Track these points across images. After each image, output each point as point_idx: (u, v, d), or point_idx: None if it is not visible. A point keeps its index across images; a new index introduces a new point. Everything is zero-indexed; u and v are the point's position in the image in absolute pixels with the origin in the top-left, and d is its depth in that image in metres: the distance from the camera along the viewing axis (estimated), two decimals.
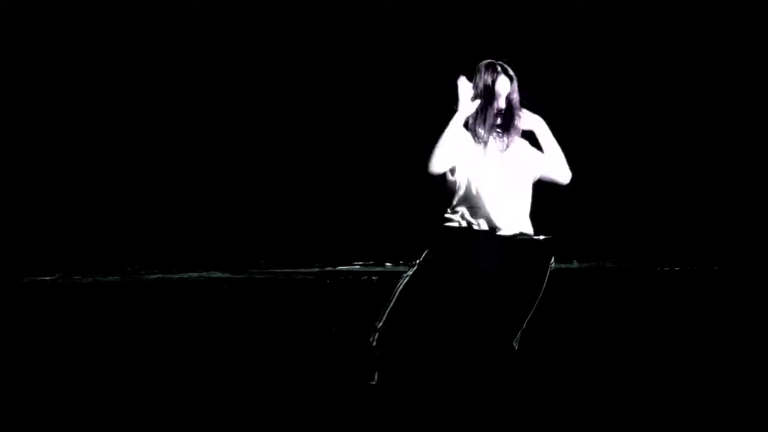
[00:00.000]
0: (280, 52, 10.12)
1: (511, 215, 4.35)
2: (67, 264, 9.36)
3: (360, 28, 10.05)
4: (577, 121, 9.66)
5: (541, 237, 4.36)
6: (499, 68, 4.42)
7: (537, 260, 4.29)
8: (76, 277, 8.96)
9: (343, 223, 9.90)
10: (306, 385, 4.81)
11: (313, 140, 10.12)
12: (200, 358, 5.51)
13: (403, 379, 4.21)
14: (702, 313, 6.90)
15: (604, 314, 6.87)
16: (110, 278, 8.91)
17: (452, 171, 4.36)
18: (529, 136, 4.53)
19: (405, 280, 4.31)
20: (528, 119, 4.45)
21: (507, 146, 4.40)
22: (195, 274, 9.07)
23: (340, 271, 9.35)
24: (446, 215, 4.40)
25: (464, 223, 4.33)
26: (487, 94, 4.36)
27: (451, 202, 4.39)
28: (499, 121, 4.39)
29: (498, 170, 4.36)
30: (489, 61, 4.45)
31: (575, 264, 9.45)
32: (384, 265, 9.59)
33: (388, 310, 4.26)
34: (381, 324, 4.25)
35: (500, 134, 4.40)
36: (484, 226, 4.31)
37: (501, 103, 4.38)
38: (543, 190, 4.52)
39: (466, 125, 4.40)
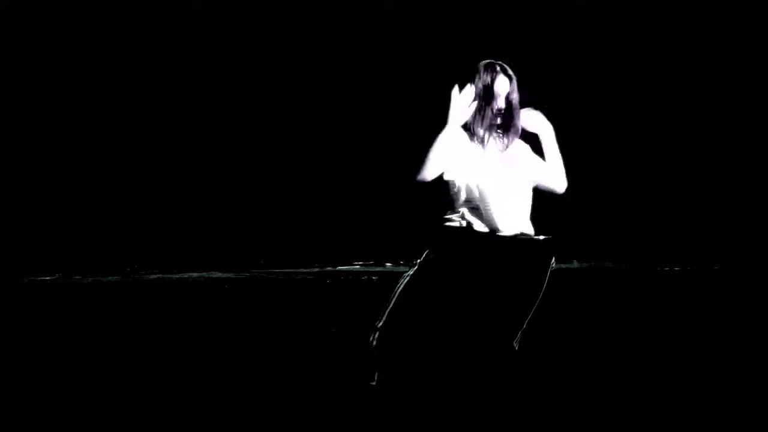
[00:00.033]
0: (280, 52, 10.12)
1: (511, 215, 4.34)
2: (67, 264, 9.36)
3: (360, 28, 10.05)
4: (577, 121, 9.66)
5: (542, 237, 4.36)
6: (498, 68, 4.41)
7: (537, 260, 4.28)
8: (76, 277, 8.95)
9: (343, 223, 9.90)
10: (306, 385, 4.81)
11: (313, 140, 10.12)
12: (201, 358, 5.51)
13: (403, 379, 4.21)
14: (702, 313, 6.90)
15: (604, 314, 6.87)
16: (110, 278, 8.90)
17: (449, 172, 4.36)
18: (532, 140, 4.53)
19: (405, 280, 4.31)
20: (538, 123, 4.44)
21: (507, 146, 4.40)
22: (195, 274, 9.07)
23: (340, 271, 9.35)
24: (446, 215, 4.39)
25: (464, 224, 4.33)
26: (486, 94, 4.36)
27: (450, 203, 4.39)
28: (498, 120, 4.39)
29: (497, 170, 4.36)
30: (488, 61, 4.45)
31: (575, 264, 9.45)
32: (384, 265, 9.59)
33: (388, 310, 4.26)
34: (381, 324, 4.24)
35: (500, 134, 4.40)
36: (484, 227, 4.31)
37: (500, 103, 4.38)
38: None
39: (465, 125, 4.40)
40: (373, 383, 4.24)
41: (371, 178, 9.80)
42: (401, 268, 8.80)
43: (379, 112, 9.99)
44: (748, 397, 4.57)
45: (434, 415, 4.13)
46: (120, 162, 10.06)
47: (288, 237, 9.98)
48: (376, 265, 9.63)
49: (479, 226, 4.30)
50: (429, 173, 4.27)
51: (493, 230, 4.30)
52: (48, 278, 8.90)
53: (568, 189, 4.51)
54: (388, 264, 9.62)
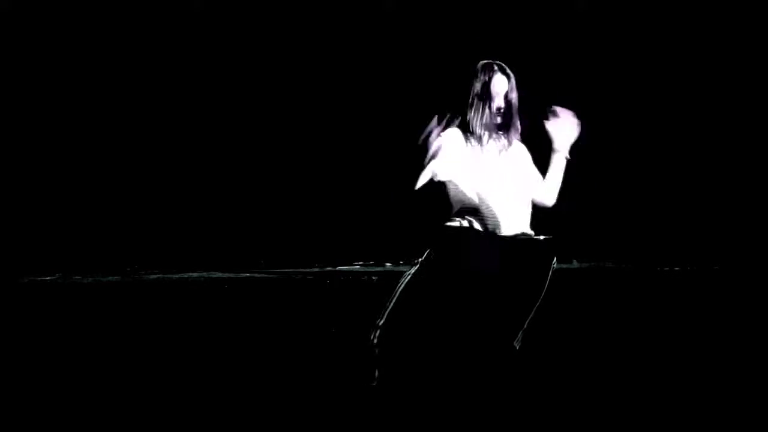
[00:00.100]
0: (280, 52, 10.12)
1: (510, 216, 4.34)
2: (67, 264, 9.36)
3: (360, 28, 10.05)
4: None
5: (542, 237, 4.36)
6: (496, 67, 4.41)
7: (538, 260, 4.28)
8: (76, 277, 8.95)
9: (343, 223, 9.90)
10: (306, 385, 4.81)
11: (313, 140, 10.12)
12: (200, 358, 5.51)
13: (404, 378, 4.21)
14: (702, 313, 6.90)
15: (604, 314, 6.86)
16: (110, 278, 8.90)
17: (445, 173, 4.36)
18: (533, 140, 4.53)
19: (406, 279, 4.31)
20: (570, 127, 4.42)
21: (507, 146, 4.40)
22: (195, 274, 9.07)
23: (340, 271, 9.35)
24: (446, 215, 4.39)
25: (465, 224, 4.33)
26: (484, 94, 4.36)
27: (450, 203, 4.39)
28: (498, 120, 4.39)
29: (497, 170, 4.36)
30: (486, 61, 4.45)
31: (575, 264, 9.45)
32: (384, 265, 9.59)
33: (389, 309, 4.26)
34: (382, 322, 4.24)
35: (500, 134, 4.40)
36: (485, 227, 4.31)
37: (499, 102, 4.38)
38: None
39: (465, 125, 4.40)
40: (374, 382, 4.25)
41: (371, 178, 9.80)
42: (401, 268, 8.79)
43: (379, 112, 9.98)
44: (748, 397, 4.57)
45: (434, 414, 4.13)
46: (120, 162, 10.06)
47: (288, 237, 9.98)
48: (376, 265, 9.63)
49: (480, 227, 4.30)
50: (422, 184, 4.28)
51: (494, 230, 4.30)
52: (48, 278, 8.90)
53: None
54: (388, 264, 9.62)
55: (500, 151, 4.40)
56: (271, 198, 10.07)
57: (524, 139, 4.53)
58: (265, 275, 9.07)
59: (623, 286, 8.39)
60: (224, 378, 5.01)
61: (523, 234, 4.35)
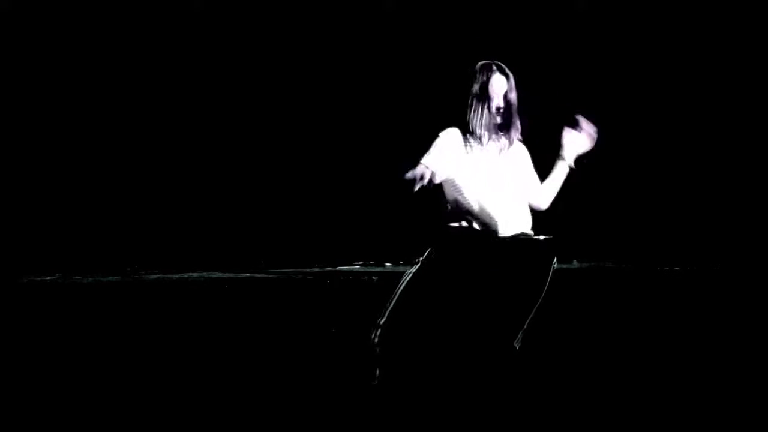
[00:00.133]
0: (280, 52, 10.12)
1: (509, 216, 4.35)
2: (67, 264, 9.36)
3: (360, 28, 10.05)
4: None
5: (542, 237, 4.36)
6: (495, 67, 4.42)
7: (538, 260, 4.29)
8: (76, 277, 8.95)
9: (343, 223, 9.90)
10: (306, 385, 4.80)
11: (313, 140, 10.12)
12: (200, 358, 5.50)
13: (405, 377, 4.21)
14: (702, 313, 6.90)
15: (604, 314, 6.86)
16: (110, 278, 8.90)
17: (448, 173, 4.36)
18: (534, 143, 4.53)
19: (407, 278, 4.31)
20: (587, 137, 4.43)
21: (508, 146, 4.40)
22: (195, 274, 9.06)
23: (340, 271, 9.35)
24: (446, 215, 4.40)
25: (464, 224, 4.33)
26: (483, 94, 4.36)
27: (450, 203, 4.39)
28: (498, 120, 4.39)
29: (496, 171, 4.36)
30: (484, 61, 4.45)
31: (575, 264, 9.44)
32: (384, 265, 9.58)
33: (390, 308, 4.26)
34: (383, 321, 4.25)
35: (500, 134, 4.40)
36: (483, 227, 4.31)
37: (499, 102, 4.38)
38: None
39: (465, 125, 4.40)
40: (375, 381, 4.25)
41: (371, 179, 9.79)
42: (401, 268, 8.79)
43: (379, 112, 9.98)
44: (748, 397, 4.56)
45: (434, 414, 4.13)
46: (120, 162, 10.06)
47: (288, 237, 9.98)
48: (376, 265, 9.63)
49: (479, 227, 4.30)
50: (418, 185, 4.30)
51: (494, 230, 4.30)
52: (48, 278, 8.89)
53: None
54: (388, 264, 9.62)
55: (500, 151, 4.40)
56: (271, 198, 10.07)
57: (524, 139, 4.54)
58: (265, 275, 9.07)
59: (623, 286, 8.39)
60: (224, 378, 5.01)
61: (523, 234, 4.35)
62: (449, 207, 4.38)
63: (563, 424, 4.19)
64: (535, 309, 4.25)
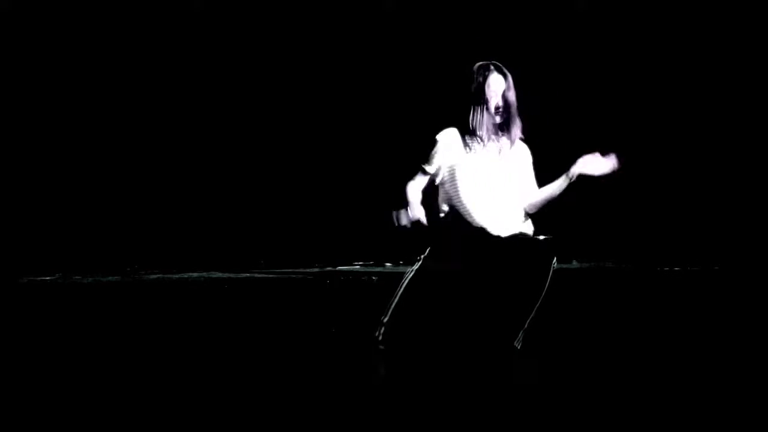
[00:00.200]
0: (280, 52, 10.12)
1: (508, 216, 4.35)
2: (67, 264, 9.36)
3: (360, 28, 10.05)
4: (576, 121, 9.67)
5: (542, 237, 4.36)
6: (492, 67, 4.42)
7: (538, 260, 4.29)
8: (76, 277, 8.95)
9: (343, 223, 9.90)
10: (306, 385, 4.80)
11: (313, 140, 10.12)
12: (200, 358, 5.50)
13: (408, 374, 4.21)
14: (702, 313, 6.90)
15: (604, 314, 6.87)
16: (110, 278, 8.90)
17: (447, 173, 4.36)
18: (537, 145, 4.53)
19: (409, 276, 4.32)
20: (599, 167, 4.43)
21: (509, 146, 4.41)
22: (195, 274, 9.07)
23: (340, 271, 9.35)
24: (443, 215, 4.40)
25: (462, 224, 4.34)
26: (481, 94, 4.37)
27: (448, 202, 4.39)
28: (498, 119, 4.39)
29: (494, 171, 4.36)
30: (482, 62, 4.46)
31: (575, 264, 9.45)
32: (384, 265, 9.59)
33: (393, 306, 4.27)
34: (386, 319, 4.25)
35: (500, 134, 4.40)
36: (480, 226, 4.32)
37: (497, 102, 4.39)
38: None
39: (465, 125, 4.40)
40: (378, 378, 4.25)
41: (371, 179, 9.80)
42: (401, 268, 8.79)
43: (379, 112, 9.99)
44: (748, 397, 4.56)
45: (436, 414, 4.13)
46: (120, 162, 10.06)
47: (288, 237, 9.99)
48: (376, 265, 9.63)
49: (477, 227, 4.31)
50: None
51: (487, 230, 4.30)
52: (48, 278, 8.90)
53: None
54: (388, 264, 9.62)
55: (500, 151, 4.41)
56: (271, 198, 10.07)
57: (524, 139, 4.54)
58: (265, 275, 9.07)
59: (623, 286, 8.39)
60: (224, 378, 5.01)
61: (522, 234, 4.35)
62: (447, 206, 4.38)
63: (563, 423, 4.19)
64: (535, 309, 4.25)
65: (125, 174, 10.07)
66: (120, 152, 10.07)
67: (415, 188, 4.34)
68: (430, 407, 4.15)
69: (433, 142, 4.41)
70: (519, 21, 9.89)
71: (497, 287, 4.24)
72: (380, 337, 4.22)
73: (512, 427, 4.06)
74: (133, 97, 10.06)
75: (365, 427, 4.10)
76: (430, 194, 4.52)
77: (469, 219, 4.31)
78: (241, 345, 5.87)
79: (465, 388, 4.19)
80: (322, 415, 4.29)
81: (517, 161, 4.45)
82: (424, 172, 4.36)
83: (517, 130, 4.43)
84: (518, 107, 4.43)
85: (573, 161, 4.51)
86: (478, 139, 4.38)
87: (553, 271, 4.28)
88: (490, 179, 4.35)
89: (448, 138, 4.36)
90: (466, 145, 4.38)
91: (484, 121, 4.37)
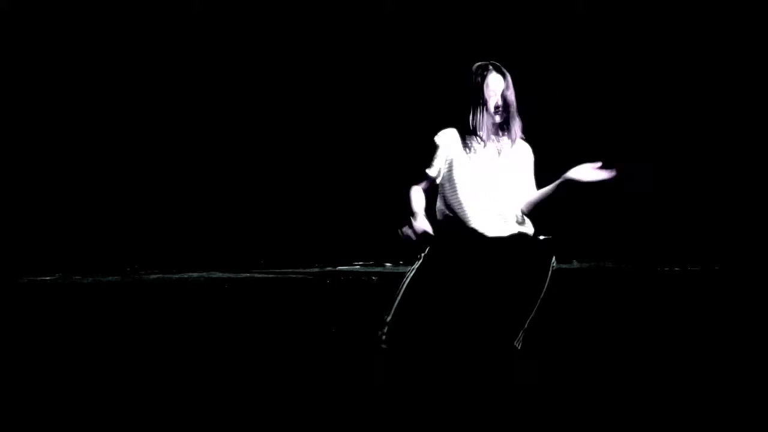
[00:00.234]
0: (280, 52, 10.12)
1: (509, 216, 4.35)
2: (67, 264, 9.36)
3: (360, 28, 10.05)
4: (576, 121, 9.66)
5: (540, 237, 4.36)
6: (491, 66, 4.42)
7: (536, 260, 4.28)
8: (76, 277, 8.95)
9: (343, 223, 9.90)
10: (306, 385, 4.80)
11: (312, 140, 10.12)
12: (200, 358, 5.50)
13: (413, 373, 4.21)
14: (702, 313, 6.90)
15: (604, 314, 6.86)
16: (110, 278, 8.90)
17: (446, 173, 4.36)
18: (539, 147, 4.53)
19: (411, 274, 4.32)
20: (587, 175, 4.43)
21: (510, 146, 4.41)
22: (195, 274, 9.06)
23: (340, 271, 9.34)
24: (440, 216, 4.40)
25: (461, 224, 4.34)
26: (480, 93, 4.36)
27: (446, 202, 4.39)
28: (498, 119, 4.39)
29: (494, 171, 4.36)
30: (480, 62, 4.45)
31: (575, 264, 9.44)
32: (384, 265, 9.58)
33: (395, 305, 4.27)
34: (390, 318, 4.25)
35: (501, 134, 4.40)
36: (477, 227, 4.31)
37: (497, 101, 4.38)
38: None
39: (465, 125, 4.40)
40: (382, 377, 4.25)
41: (371, 179, 9.80)
42: (401, 268, 8.79)
43: (379, 112, 9.98)
44: (748, 397, 4.56)
45: (435, 414, 4.13)
46: (120, 162, 10.06)
47: (288, 237, 9.98)
48: (376, 265, 9.63)
49: (473, 227, 4.31)
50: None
51: (484, 231, 4.30)
52: (48, 278, 8.89)
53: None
54: (388, 264, 9.62)
55: (500, 151, 4.40)
56: (270, 198, 10.07)
57: (524, 139, 4.53)
58: (265, 275, 9.07)
59: (623, 286, 8.39)
60: (224, 378, 5.01)
61: (521, 234, 4.35)
62: (447, 207, 4.38)
63: (563, 423, 4.19)
64: (535, 308, 4.25)
65: (125, 174, 10.06)
66: (120, 152, 10.06)
67: (418, 197, 4.35)
68: (430, 407, 4.15)
69: (432, 145, 4.41)
70: (519, 21, 9.89)
71: (496, 287, 4.24)
72: (383, 337, 4.21)
73: (512, 427, 4.05)
74: (133, 97, 10.05)
75: (365, 427, 4.09)
76: (431, 194, 4.51)
77: (468, 219, 4.31)
78: (242, 345, 5.87)
79: (465, 388, 4.19)
80: (322, 414, 4.28)
81: (517, 161, 4.44)
82: (427, 176, 4.37)
83: (517, 129, 4.42)
84: (518, 107, 4.43)
85: (573, 161, 4.50)
86: (478, 139, 4.38)
87: (553, 270, 4.28)
88: (490, 179, 4.35)
89: (446, 139, 4.36)
90: (465, 145, 4.37)
91: (483, 121, 4.37)
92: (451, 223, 4.37)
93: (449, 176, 4.37)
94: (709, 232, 9.75)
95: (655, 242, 9.76)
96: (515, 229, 4.36)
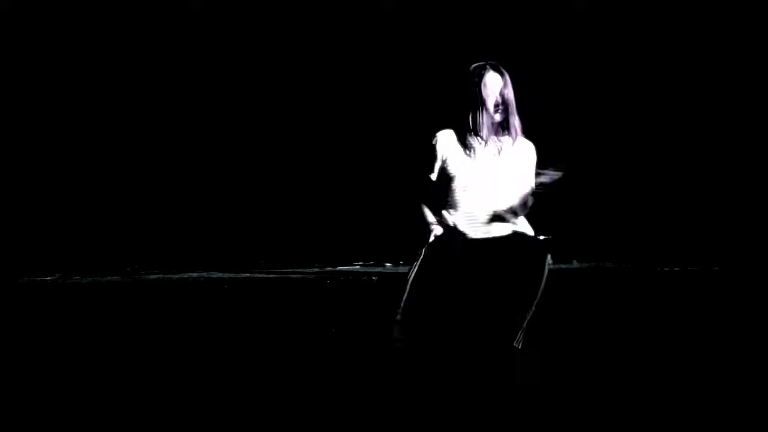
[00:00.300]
0: (280, 52, 10.13)
1: (508, 215, 4.35)
2: (67, 264, 9.36)
3: (360, 28, 10.05)
4: (576, 121, 9.67)
5: (540, 237, 4.36)
6: (488, 66, 4.42)
7: (531, 258, 4.29)
8: (76, 277, 8.95)
9: (343, 223, 9.90)
10: (306, 385, 4.80)
11: (312, 140, 10.12)
12: (200, 358, 5.51)
13: (408, 374, 4.22)
14: (702, 313, 6.90)
15: (604, 314, 6.87)
16: (110, 278, 8.90)
17: (445, 174, 4.37)
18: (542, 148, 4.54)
19: (414, 270, 4.33)
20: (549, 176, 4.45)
21: (511, 145, 4.41)
22: (195, 274, 9.07)
23: (340, 271, 9.35)
24: (441, 215, 4.40)
25: (458, 223, 4.34)
26: (479, 93, 4.37)
27: (443, 202, 4.40)
28: (497, 118, 4.39)
29: (492, 171, 4.36)
30: (478, 62, 4.46)
31: (575, 264, 9.45)
32: (384, 265, 9.59)
33: (403, 302, 4.28)
34: (400, 317, 4.26)
35: (500, 134, 4.40)
36: (476, 227, 4.32)
37: (495, 100, 4.38)
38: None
39: (465, 125, 4.40)
40: (401, 375, 4.25)
41: (371, 179, 9.81)
42: (401, 268, 8.79)
43: (379, 112, 9.99)
44: (748, 397, 4.56)
45: (435, 414, 4.13)
46: (120, 162, 10.06)
47: (288, 237, 9.99)
48: (376, 265, 9.63)
49: (470, 227, 4.31)
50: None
51: (482, 231, 4.31)
52: (48, 278, 8.90)
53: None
54: (388, 264, 9.63)
55: (500, 151, 4.41)
56: (270, 198, 10.07)
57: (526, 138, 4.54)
58: (265, 275, 9.07)
59: (623, 286, 8.39)
60: (224, 378, 5.01)
61: (515, 233, 4.36)
62: (445, 205, 4.39)
63: (563, 424, 4.19)
64: (533, 307, 4.25)
65: (125, 174, 10.07)
66: (120, 152, 10.07)
67: (429, 206, 4.37)
68: (430, 407, 4.15)
69: (431, 149, 4.41)
70: (518, 21, 9.89)
71: (493, 286, 4.24)
72: (398, 335, 4.22)
73: (512, 427, 4.05)
74: (133, 97, 10.06)
75: (365, 427, 4.10)
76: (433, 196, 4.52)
77: (467, 218, 4.31)
78: (242, 345, 5.87)
79: (465, 388, 4.19)
80: (322, 414, 4.29)
81: (518, 159, 4.44)
82: (430, 181, 4.37)
83: (517, 128, 4.42)
84: (517, 106, 4.43)
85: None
86: (478, 139, 4.38)
87: (549, 269, 4.28)
88: (490, 178, 4.35)
89: (443, 140, 4.37)
90: (464, 145, 4.37)
91: (483, 121, 4.37)
92: (450, 223, 4.37)
93: (449, 176, 4.38)
94: (709, 232, 9.76)
95: (655, 242, 9.77)
96: (514, 228, 4.36)
